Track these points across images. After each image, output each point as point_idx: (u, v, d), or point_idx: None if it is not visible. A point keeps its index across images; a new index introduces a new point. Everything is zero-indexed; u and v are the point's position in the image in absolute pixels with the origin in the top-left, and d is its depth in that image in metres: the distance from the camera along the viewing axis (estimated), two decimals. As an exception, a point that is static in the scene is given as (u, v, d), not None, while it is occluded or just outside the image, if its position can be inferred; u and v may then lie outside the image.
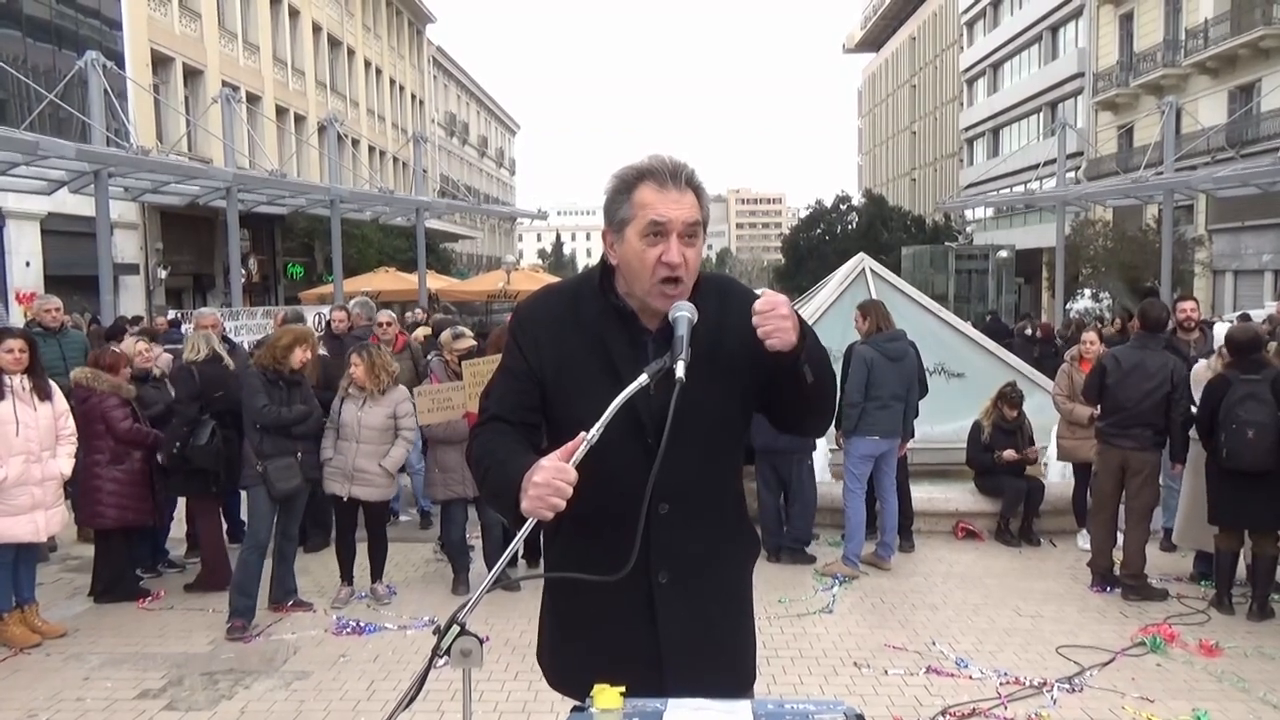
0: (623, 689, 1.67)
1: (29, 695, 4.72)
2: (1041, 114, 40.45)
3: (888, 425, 6.66)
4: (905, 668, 5.05)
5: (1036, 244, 33.73)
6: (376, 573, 6.20)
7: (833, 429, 7.03)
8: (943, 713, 4.49)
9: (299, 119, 30.18)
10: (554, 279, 7.44)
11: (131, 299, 20.36)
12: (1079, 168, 32.97)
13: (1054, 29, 40.03)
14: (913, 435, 7.21)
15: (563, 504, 1.80)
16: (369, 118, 36.68)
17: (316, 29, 31.90)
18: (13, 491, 5.25)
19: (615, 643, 2.07)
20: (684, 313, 1.95)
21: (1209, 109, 27.01)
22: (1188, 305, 7.94)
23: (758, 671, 2.27)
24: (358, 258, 26.62)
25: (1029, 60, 42.86)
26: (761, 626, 5.23)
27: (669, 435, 1.83)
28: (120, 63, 18.88)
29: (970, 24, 49.63)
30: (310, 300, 20.06)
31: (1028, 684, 4.80)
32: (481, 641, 1.71)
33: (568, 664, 2.18)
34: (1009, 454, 7.59)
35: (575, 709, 1.67)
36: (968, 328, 10.13)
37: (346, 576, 6.18)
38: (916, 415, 7.12)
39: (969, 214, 43.29)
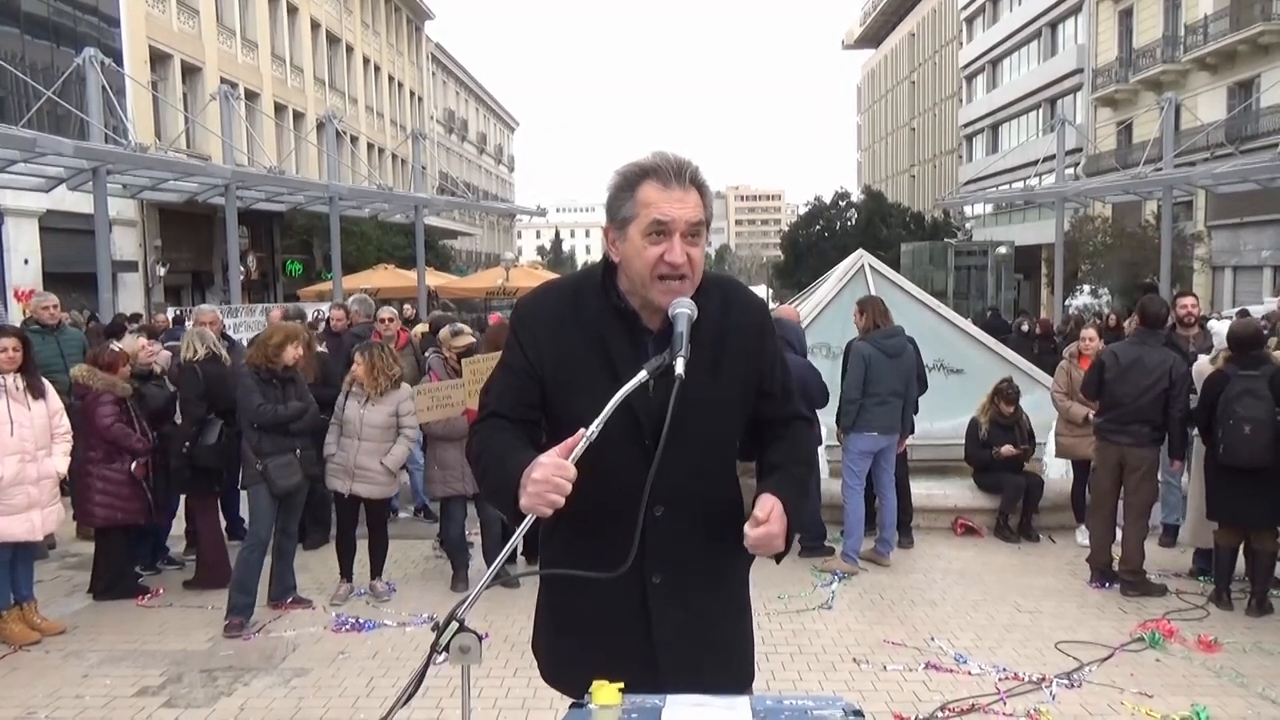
0: (620, 685, 1.66)
1: (28, 693, 4.72)
2: (1041, 110, 40.43)
3: (886, 421, 6.66)
4: (904, 664, 5.05)
5: (1036, 240, 33.70)
6: (376, 570, 6.20)
7: (832, 425, 7.05)
8: (941, 708, 4.49)
9: (297, 116, 30.16)
10: (553, 275, 7.44)
11: (130, 296, 20.35)
12: (1078, 164, 32.98)
13: (1053, 25, 40.00)
14: (912, 431, 7.20)
15: (562, 501, 1.80)
16: (368, 115, 36.65)
17: (315, 26, 31.86)
18: (8, 491, 5.24)
19: (609, 641, 2.07)
20: (684, 309, 1.94)
21: (1208, 105, 27.00)
22: (1188, 301, 7.93)
23: (756, 668, 2.27)
24: (356, 255, 26.63)
25: (1028, 56, 42.82)
26: (760, 623, 5.26)
27: (667, 435, 1.82)
28: (118, 60, 18.85)
29: (970, 20, 49.60)
30: (309, 297, 20.10)
31: (1027, 679, 4.80)
32: (480, 638, 1.72)
33: (561, 659, 2.18)
34: (1006, 449, 7.60)
35: (574, 705, 1.66)
36: (967, 324, 10.13)
37: (346, 573, 6.18)
38: (916, 411, 7.12)
39: (968, 210, 43.27)
